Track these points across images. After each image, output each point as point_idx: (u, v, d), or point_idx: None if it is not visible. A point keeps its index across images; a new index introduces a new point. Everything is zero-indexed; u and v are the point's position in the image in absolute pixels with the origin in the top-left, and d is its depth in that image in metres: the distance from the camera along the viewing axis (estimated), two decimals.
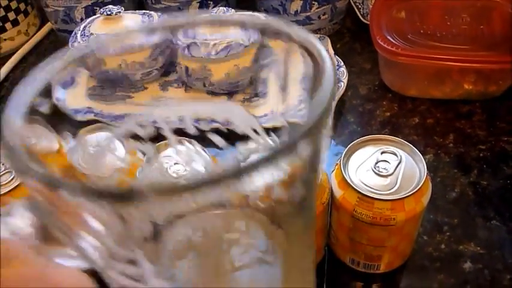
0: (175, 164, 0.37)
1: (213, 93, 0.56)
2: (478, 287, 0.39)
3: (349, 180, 0.34)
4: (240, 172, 0.13)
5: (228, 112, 0.25)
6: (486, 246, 0.41)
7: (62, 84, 0.57)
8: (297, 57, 0.61)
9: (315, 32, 0.65)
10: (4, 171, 0.39)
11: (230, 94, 0.56)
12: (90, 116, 0.53)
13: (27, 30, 0.71)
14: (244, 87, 0.55)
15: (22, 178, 0.15)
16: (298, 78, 0.60)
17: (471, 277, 0.40)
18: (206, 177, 0.13)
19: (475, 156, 0.49)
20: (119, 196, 0.13)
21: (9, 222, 0.19)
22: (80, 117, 0.57)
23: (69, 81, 0.66)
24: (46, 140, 0.37)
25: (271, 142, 0.24)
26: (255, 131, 0.24)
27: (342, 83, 0.56)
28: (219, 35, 0.51)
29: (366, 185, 0.34)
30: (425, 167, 0.34)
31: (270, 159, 0.13)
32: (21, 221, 0.19)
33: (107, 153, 0.37)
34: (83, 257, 0.18)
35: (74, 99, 0.62)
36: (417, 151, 0.35)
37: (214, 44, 0.52)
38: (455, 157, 0.49)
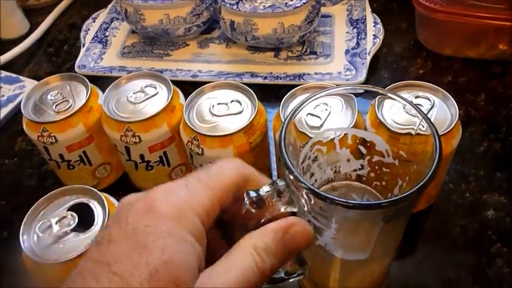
0: (218, 104, 0.40)
1: (254, 49, 0.59)
2: (499, 232, 0.41)
3: (381, 119, 0.36)
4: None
5: None
6: (509, 196, 0.43)
7: (95, 44, 0.60)
8: (342, 29, 0.63)
9: None
10: (62, 100, 0.42)
11: (274, 50, 0.58)
12: (124, 74, 0.56)
13: None
14: (290, 45, 0.57)
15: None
16: (344, 48, 0.63)
17: (493, 224, 0.41)
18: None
19: (505, 114, 0.50)
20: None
21: None
22: (114, 74, 0.60)
23: (104, 41, 0.69)
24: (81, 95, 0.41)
25: None
26: None
27: (378, 39, 0.57)
28: None
29: (397, 123, 0.35)
30: (458, 112, 0.36)
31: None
32: None
33: (148, 99, 0.40)
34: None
35: (108, 58, 0.66)
36: (450, 96, 0.37)
37: (261, 2, 0.54)
38: (485, 114, 0.51)
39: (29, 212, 0.34)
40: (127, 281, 0.19)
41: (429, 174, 0.24)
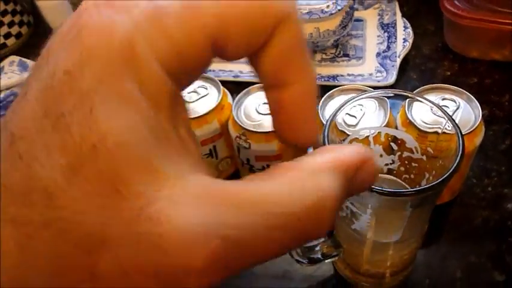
0: (263, 103, 0.45)
1: None
2: None
3: (411, 119, 0.40)
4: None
5: None
6: None
7: None
8: (373, 33, 0.68)
9: None
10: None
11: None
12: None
13: None
14: (324, 48, 0.62)
15: None
16: (375, 51, 0.67)
17: None
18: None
19: None
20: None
21: None
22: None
23: None
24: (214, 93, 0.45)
25: None
26: None
27: (408, 43, 0.61)
28: (303, 1, 0.57)
29: (425, 123, 0.40)
30: (481, 113, 0.40)
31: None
32: None
33: (200, 99, 0.45)
34: None
35: None
36: (474, 99, 0.41)
37: (299, 9, 0.58)
38: (509, 114, 0.54)
39: None
40: (32, 174, 0.12)
41: (452, 168, 0.29)
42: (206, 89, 0.47)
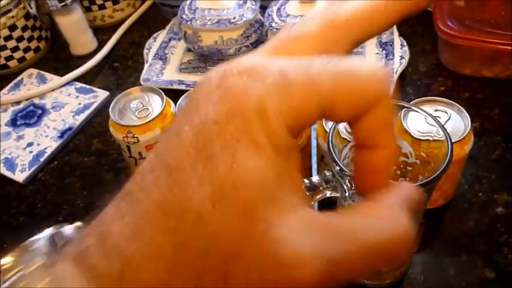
0: None
1: None
2: (507, 226, 0.48)
3: (406, 127, 0.44)
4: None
5: None
6: None
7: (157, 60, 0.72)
8: (372, 50, 0.73)
9: None
10: (142, 108, 0.51)
11: None
12: (182, 87, 0.66)
13: (134, 3, 0.84)
14: None
15: None
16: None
17: (502, 219, 0.49)
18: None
19: None
20: None
21: None
22: (175, 87, 0.71)
23: (164, 58, 0.80)
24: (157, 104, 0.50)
25: None
26: None
27: (404, 60, 0.65)
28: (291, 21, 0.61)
29: (418, 131, 0.43)
30: (470, 123, 0.44)
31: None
32: None
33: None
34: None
35: (167, 73, 0.77)
36: (464, 110, 0.45)
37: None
38: (498, 126, 0.58)
39: None
40: (187, 198, 0.16)
41: (443, 167, 0.32)
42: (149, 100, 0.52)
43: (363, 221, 0.18)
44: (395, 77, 0.63)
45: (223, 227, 0.16)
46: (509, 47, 0.59)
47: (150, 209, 0.16)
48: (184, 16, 0.67)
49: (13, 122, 0.67)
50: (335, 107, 0.18)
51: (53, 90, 0.71)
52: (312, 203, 0.36)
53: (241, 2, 0.67)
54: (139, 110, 0.51)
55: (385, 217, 0.18)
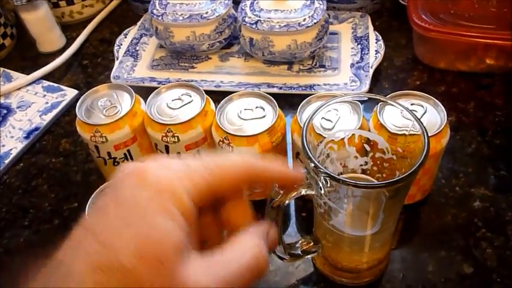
0: (245, 109, 0.47)
1: (270, 62, 0.66)
2: (484, 220, 0.48)
3: (382, 122, 0.43)
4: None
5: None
6: (494, 190, 0.50)
7: (128, 57, 0.69)
8: (347, 45, 0.73)
9: (357, 10, 0.73)
10: (110, 106, 0.49)
11: (288, 63, 0.65)
12: (154, 84, 0.64)
13: None
14: (301, 59, 0.65)
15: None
16: (349, 62, 0.72)
17: (479, 213, 0.48)
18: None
19: (492, 120, 0.57)
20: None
21: None
22: (146, 84, 0.68)
23: (135, 55, 0.78)
24: (126, 101, 0.48)
25: None
26: None
27: (379, 54, 0.64)
28: (281, 15, 0.60)
29: (395, 125, 0.42)
30: (446, 116, 0.43)
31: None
32: None
33: (184, 104, 0.47)
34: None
35: (139, 70, 0.74)
36: (440, 104, 0.44)
37: (277, 22, 0.61)
38: (474, 120, 0.58)
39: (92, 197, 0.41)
40: (112, 252, 0.21)
41: (420, 161, 0.31)
42: (190, 96, 0.49)
43: (231, 254, 0.25)
44: (371, 71, 0.62)
45: (145, 273, 0.21)
46: (483, 40, 0.59)
47: (83, 269, 0.21)
48: (155, 11, 0.65)
49: None
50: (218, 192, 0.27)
51: (19, 89, 0.69)
52: (287, 201, 0.35)
53: None
54: (108, 108, 0.49)
55: (244, 247, 0.26)
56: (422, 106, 0.45)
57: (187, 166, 0.25)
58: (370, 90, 0.61)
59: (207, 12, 0.64)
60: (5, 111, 0.65)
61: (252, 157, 0.28)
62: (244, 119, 0.46)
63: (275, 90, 0.62)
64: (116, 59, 0.69)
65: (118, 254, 0.20)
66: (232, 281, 0.23)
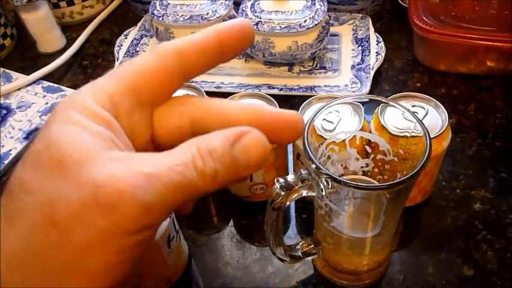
0: None
1: (270, 64, 0.66)
2: (484, 222, 0.48)
3: (383, 124, 0.43)
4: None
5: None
6: (494, 192, 0.50)
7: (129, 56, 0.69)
8: (348, 47, 0.72)
9: (357, 11, 0.73)
10: None
11: (288, 65, 0.65)
12: None
13: (104, 0, 0.82)
14: (302, 61, 0.65)
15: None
16: (350, 64, 0.72)
17: (479, 215, 0.48)
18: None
19: (492, 122, 0.57)
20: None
21: None
22: None
23: (135, 56, 0.77)
24: None
25: None
26: None
27: (380, 56, 0.64)
28: (282, 16, 0.60)
29: (396, 127, 0.42)
30: (447, 118, 0.43)
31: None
32: None
33: None
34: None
35: None
36: (441, 105, 0.44)
37: (278, 23, 0.61)
38: (474, 122, 0.58)
39: None
40: (15, 175, 0.21)
41: (421, 164, 0.31)
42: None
43: (162, 155, 0.22)
44: (372, 73, 0.62)
45: (42, 180, 0.20)
46: (484, 43, 0.59)
47: None
48: (155, 12, 0.65)
49: None
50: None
51: (19, 89, 0.68)
52: (288, 202, 0.35)
53: None
54: None
55: (167, 154, 0.22)
56: (423, 108, 0.44)
57: (91, 83, 0.24)
58: (370, 92, 0.61)
59: (207, 13, 0.64)
60: (4, 112, 0.65)
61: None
62: None
63: (275, 91, 0.62)
64: (116, 59, 0.69)
65: (17, 172, 0.21)
66: (155, 179, 0.20)
